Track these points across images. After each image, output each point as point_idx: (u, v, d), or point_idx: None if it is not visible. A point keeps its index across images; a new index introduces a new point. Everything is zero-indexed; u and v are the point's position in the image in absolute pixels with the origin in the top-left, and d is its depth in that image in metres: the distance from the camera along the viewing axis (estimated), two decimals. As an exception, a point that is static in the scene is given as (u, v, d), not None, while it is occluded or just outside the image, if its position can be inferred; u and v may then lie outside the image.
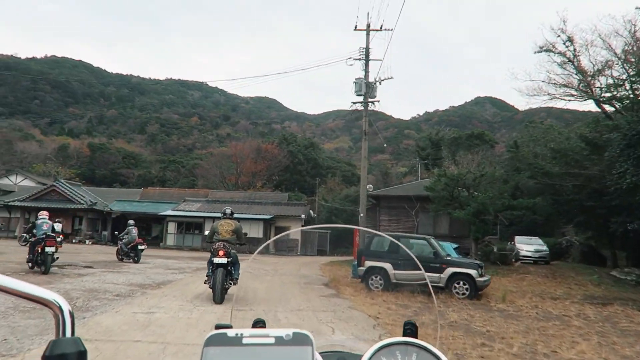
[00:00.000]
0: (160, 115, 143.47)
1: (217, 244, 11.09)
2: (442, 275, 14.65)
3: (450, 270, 14.52)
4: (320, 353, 0.79)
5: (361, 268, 16.06)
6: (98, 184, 65.11)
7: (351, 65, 28.28)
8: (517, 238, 28.38)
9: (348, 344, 0.97)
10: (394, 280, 15.25)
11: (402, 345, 0.76)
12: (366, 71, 28.31)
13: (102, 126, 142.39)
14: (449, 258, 15.28)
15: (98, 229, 42.48)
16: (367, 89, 27.99)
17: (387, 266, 15.42)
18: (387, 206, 29.88)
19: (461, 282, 14.35)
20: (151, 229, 43.95)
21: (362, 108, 28.69)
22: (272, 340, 0.67)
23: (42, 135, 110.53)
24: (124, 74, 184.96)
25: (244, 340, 0.68)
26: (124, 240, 21.79)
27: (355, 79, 28.10)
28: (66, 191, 41.06)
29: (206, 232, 37.06)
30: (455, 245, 18.70)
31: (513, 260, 25.12)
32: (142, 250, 21.72)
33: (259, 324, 0.91)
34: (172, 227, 39.65)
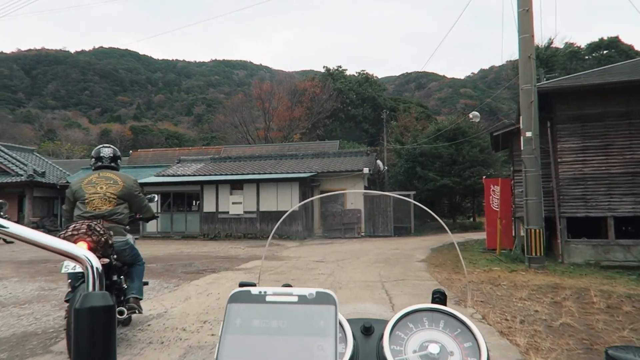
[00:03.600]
0: (207, 96, 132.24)
1: (73, 226, 4.18)
2: None
3: None
4: (347, 320, 0.72)
5: None
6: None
7: None
8: None
9: (374, 310, 0.88)
10: None
11: (430, 312, 0.69)
12: None
13: (151, 111, 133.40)
14: None
15: (57, 213, 25.96)
16: None
17: None
18: (575, 116, 11.53)
19: None
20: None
21: None
22: (295, 299, 0.64)
23: (90, 124, 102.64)
24: (170, 59, 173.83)
25: (267, 298, 0.64)
26: None
27: None
28: (-1, 159, 24.58)
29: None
30: None
31: None
32: None
33: (287, 287, 0.72)
34: (154, 203, 22.49)
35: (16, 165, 24.33)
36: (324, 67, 39.51)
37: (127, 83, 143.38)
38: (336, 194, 20.93)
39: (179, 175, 22.77)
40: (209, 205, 21.75)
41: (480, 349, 0.64)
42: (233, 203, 21.50)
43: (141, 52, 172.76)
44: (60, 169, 27.72)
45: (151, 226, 22.28)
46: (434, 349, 0.64)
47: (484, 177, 13.99)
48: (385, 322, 0.70)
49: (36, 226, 24.00)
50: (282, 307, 0.64)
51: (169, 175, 22.95)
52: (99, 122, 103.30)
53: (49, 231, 23.90)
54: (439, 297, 0.75)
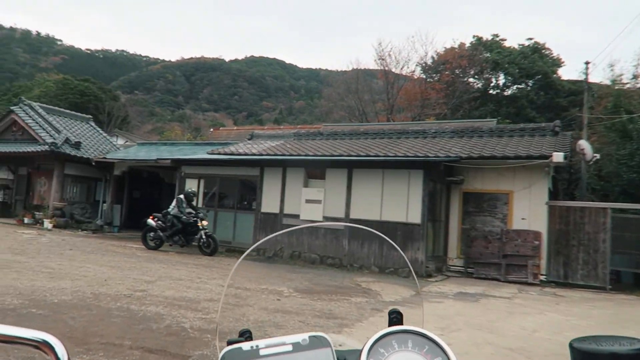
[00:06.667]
0: (344, 102, 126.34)
1: None
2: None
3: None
4: None
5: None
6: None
7: None
8: None
9: (340, 340, 0.71)
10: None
11: (397, 334, 0.66)
12: None
13: (291, 117, 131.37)
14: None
15: (99, 199, 18.72)
16: None
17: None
18: None
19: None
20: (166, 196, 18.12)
21: None
22: (290, 348, 0.59)
23: (234, 125, 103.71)
24: (314, 68, 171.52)
25: (261, 352, 0.59)
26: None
27: None
28: (30, 123, 18.02)
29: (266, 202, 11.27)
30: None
31: None
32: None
33: (245, 334, 0.70)
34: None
35: (47, 132, 17.53)
36: (474, 36, 28.36)
37: (272, 89, 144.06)
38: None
39: (234, 154, 13.84)
40: (269, 203, 12.52)
41: None
42: (307, 201, 11.97)
43: (287, 61, 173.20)
44: (116, 143, 20.77)
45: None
46: None
47: None
48: (358, 351, 0.64)
49: (60, 214, 16.88)
50: (277, 359, 0.58)
51: (222, 154, 14.14)
52: (243, 124, 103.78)
53: (78, 223, 16.62)
54: (396, 316, 0.70)
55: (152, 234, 12.49)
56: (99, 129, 21.41)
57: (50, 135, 17.24)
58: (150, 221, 12.46)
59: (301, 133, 16.17)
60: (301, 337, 0.59)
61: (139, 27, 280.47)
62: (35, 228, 15.77)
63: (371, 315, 6.42)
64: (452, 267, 12.01)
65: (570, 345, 0.57)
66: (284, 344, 0.58)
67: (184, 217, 12.03)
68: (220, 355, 0.58)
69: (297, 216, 12.07)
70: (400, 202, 10.99)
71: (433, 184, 11.27)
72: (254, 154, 13.47)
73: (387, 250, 10.94)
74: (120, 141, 35.62)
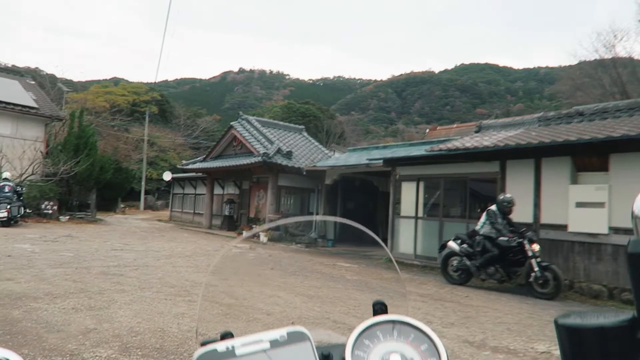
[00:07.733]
0: (573, 101, 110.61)
1: None
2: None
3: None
4: None
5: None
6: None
7: None
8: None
9: (329, 337, 0.73)
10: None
11: (382, 324, 0.63)
12: None
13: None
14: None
15: (306, 210, 17.40)
16: None
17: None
18: None
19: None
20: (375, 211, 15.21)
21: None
22: (267, 345, 0.55)
23: None
24: (532, 67, 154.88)
25: (237, 352, 0.54)
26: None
27: None
28: (246, 136, 17.75)
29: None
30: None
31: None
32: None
33: (227, 336, 0.62)
34: (409, 199, 10.89)
35: (261, 144, 16.94)
36: None
37: (485, 95, 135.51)
38: None
39: (460, 149, 10.50)
40: (518, 209, 8.83)
41: (438, 349, 0.57)
42: (579, 205, 7.95)
43: (501, 64, 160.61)
44: (328, 151, 19.35)
45: (405, 245, 10.84)
46: (395, 358, 0.59)
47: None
48: (342, 345, 0.61)
49: (276, 228, 15.95)
50: (254, 358, 0.54)
51: (444, 150, 10.96)
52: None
53: (292, 236, 15.54)
54: (381, 307, 0.67)
55: (455, 262, 8.77)
56: (311, 138, 20.49)
57: (264, 147, 16.61)
58: (452, 244, 8.84)
59: (549, 117, 11.92)
60: (279, 333, 0.55)
61: (352, 53, 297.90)
62: (251, 242, 15.06)
63: None
64: None
65: (555, 322, 0.52)
66: (261, 341, 0.53)
67: (502, 238, 8.10)
68: (194, 358, 0.52)
69: (562, 227, 8.12)
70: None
71: None
72: (488, 147, 9.94)
73: None
74: (337, 154, 35.33)
